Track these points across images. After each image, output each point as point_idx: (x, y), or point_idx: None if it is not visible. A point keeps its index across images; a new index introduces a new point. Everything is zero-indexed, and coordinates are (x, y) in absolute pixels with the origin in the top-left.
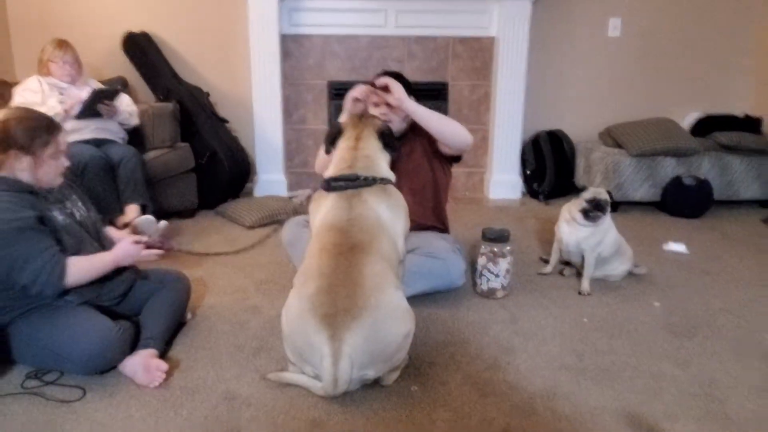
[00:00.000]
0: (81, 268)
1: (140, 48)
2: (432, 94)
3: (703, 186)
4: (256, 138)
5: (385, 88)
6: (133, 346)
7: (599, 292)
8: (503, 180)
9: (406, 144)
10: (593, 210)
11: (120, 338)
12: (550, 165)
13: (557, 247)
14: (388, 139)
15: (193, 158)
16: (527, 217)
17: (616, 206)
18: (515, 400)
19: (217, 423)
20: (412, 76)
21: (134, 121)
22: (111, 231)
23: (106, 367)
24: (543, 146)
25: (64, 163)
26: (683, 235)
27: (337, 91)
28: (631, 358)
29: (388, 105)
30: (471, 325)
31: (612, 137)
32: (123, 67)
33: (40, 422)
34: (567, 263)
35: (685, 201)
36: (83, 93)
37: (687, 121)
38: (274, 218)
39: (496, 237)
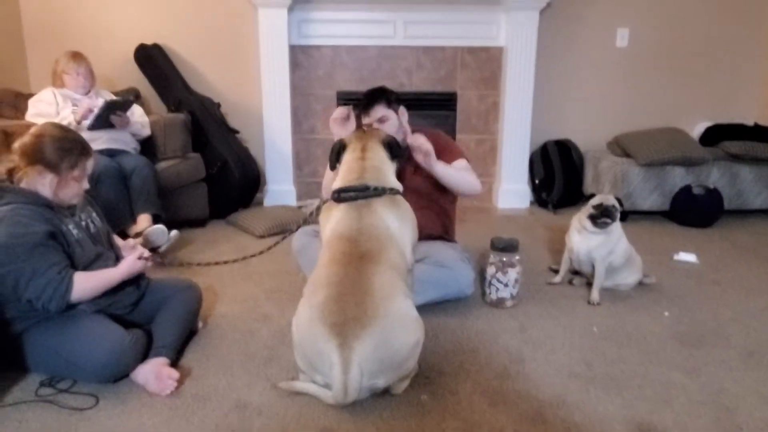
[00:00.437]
0: (86, 284)
1: (152, 59)
2: (441, 104)
3: (714, 195)
4: (266, 148)
5: (381, 120)
6: (145, 354)
7: (609, 301)
8: (512, 189)
9: (410, 159)
10: (601, 216)
11: (132, 347)
12: (558, 174)
13: (567, 256)
14: (394, 149)
15: (204, 168)
16: (536, 226)
17: (625, 216)
18: (525, 408)
19: (229, 431)
20: (421, 86)
21: (146, 131)
22: (117, 240)
23: (118, 375)
24: (551, 155)
25: (85, 185)
26: (693, 245)
27: (346, 102)
28: (641, 367)
29: (380, 120)
30: (480, 334)
31: (620, 146)
32: (135, 78)
33: (53, 429)
34: (576, 273)
35: (695, 210)
36: (95, 104)
37: (696, 130)
38: (284, 227)
39: (505, 246)
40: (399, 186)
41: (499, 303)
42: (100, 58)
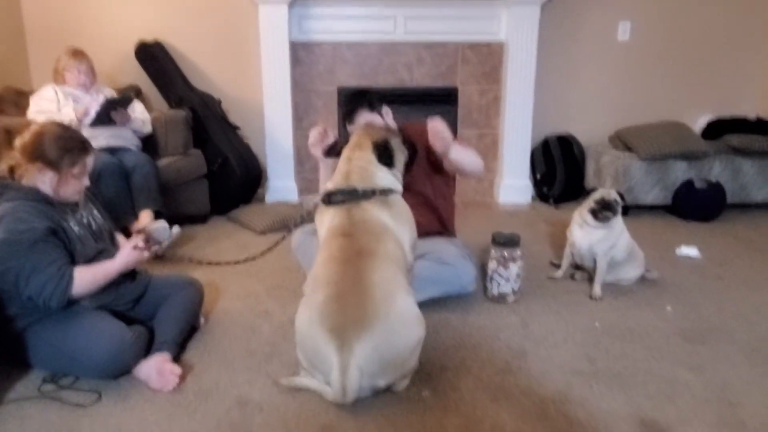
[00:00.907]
0: (86, 278)
1: (153, 56)
2: (442, 100)
3: (716, 189)
4: (267, 144)
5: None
6: (147, 350)
7: (611, 296)
8: (513, 184)
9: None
10: (602, 210)
11: (134, 343)
12: (560, 169)
13: (569, 251)
14: (382, 152)
15: (205, 164)
16: (537, 221)
17: (627, 210)
18: (527, 404)
19: (230, 427)
20: (422, 81)
21: (147, 128)
22: (120, 239)
23: (120, 371)
24: (553, 150)
25: (85, 182)
26: (695, 239)
27: (346, 100)
28: (644, 363)
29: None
30: (482, 330)
31: (622, 141)
32: (136, 75)
33: (56, 426)
34: (578, 267)
35: (697, 205)
36: (96, 101)
37: (698, 124)
38: (285, 224)
39: (507, 241)
40: (395, 185)
41: (500, 298)
42: (101, 55)
